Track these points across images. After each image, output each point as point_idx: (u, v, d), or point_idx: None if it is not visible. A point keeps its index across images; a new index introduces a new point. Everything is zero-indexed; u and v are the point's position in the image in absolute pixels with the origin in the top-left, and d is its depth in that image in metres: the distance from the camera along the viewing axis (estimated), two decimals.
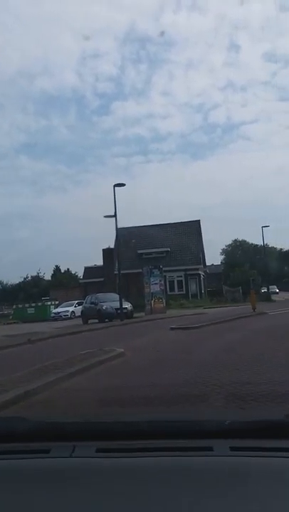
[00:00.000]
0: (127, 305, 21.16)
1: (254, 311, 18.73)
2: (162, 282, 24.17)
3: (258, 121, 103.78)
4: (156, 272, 23.91)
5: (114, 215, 19.29)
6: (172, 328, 12.97)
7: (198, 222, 40.33)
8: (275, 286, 54.85)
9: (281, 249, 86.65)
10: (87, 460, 0.99)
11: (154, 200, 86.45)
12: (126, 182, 20.39)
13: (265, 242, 40.79)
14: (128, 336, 12.27)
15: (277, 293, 49.72)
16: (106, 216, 20.31)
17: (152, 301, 23.61)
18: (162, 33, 78.89)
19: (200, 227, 40.11)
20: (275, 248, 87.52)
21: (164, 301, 24.07)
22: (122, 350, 8.52)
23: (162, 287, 24.13)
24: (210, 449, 0.99)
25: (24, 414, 1.42)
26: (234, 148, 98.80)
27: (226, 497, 0.82)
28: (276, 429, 1.05)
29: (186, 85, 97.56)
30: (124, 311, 20.35)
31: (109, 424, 1.22)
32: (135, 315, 21.94)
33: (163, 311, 22.98)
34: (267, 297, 34.03)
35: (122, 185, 20.10)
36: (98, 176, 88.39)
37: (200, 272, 38.79)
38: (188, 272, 37.09)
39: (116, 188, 19.71)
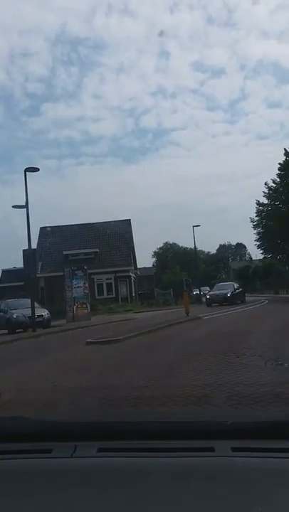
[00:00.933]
0: (43, 312, 17.76)
1: (187, 315, 16.37)
2: (86, 285, 21.05)
3: (187, 128, 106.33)
4: (79, 273, 20.74)
5: (26, 205, 15.85)
6: (89, 343, 9.97)
7: (128, 221, 37.79)
8: (208, 288, 54.42)
9: (208, 252, 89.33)
10: (89, 460, 0.98)
11: (86, 203, 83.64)
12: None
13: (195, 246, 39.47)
14: (28, 356, 9.11)
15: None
16: (15, 206, 16.76)
17: (75, 307, 20.38)
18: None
19: (130, 226, 37.61)
20: (203, 251, 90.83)
21: (88, 306, 20.96)
22: None
23: (86, 291, 21.00)
24: (211, 449, 0.97)
25: (25, 414, 1.29)
26: (165, 154, 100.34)
27: (228, 498, 0.81)
28: (278, 430, 1.03)
29: (118, 89, 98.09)
30: (39, 319, 16.94)
31: (111, 424, 1.20)
32: (56, 323, 18.68)
33: (87, 318, 19.88)
34: (198, 299, 32.34)
35: (35, 169, 16.74)
36: (27, 177, 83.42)
37: (131, 274, 36.20)
38: (118, 274, 34.31)
39: (27, 173, 16.30)
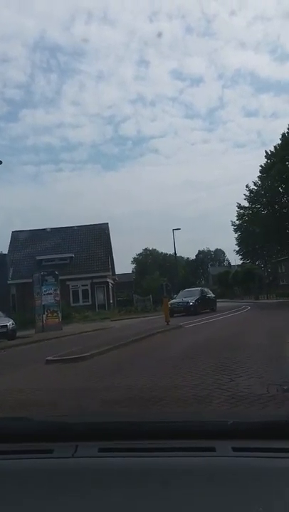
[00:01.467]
0: (7, 322, 15.81)
1: (168, 324, 14.73)
2: (58, 292, 19.13)
3: (166, 136, 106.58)
4: (49, 279, 18.82)
5: None
6: (49, 361, 8.15)
7: (106, 225, 36.07)
8: None
9: (188, 257, 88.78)
10: (90, 460, 0.98)
11: (66, 210, 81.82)
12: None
13: (174, 251, 38.09)
14: None
15: None
16: None
17: (44, 316, 18.45)
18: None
19: (108, 230, 35.87)
20: (183, 257, 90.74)
21: (59, 315, 19.03)
22: None
23: (58, 298, 19.08)
24: (212, 449, 0.97)
25: (26, 414, 1.41)
26: (145, 161, 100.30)
27: (228, 498, 0.81)
28: (278, 430, 1.02)
29: (97, 96, 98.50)
30: (3, 330, 15.00)
31: (112, 424, 1.19)
32: (24, 333, 16.73)
33: (58, 328, 17.97)
34: None
35: None
36: (5, 183, 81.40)
37: (108, 280, 34.40)
38: (95, 280, 32.44)
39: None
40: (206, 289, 25.25)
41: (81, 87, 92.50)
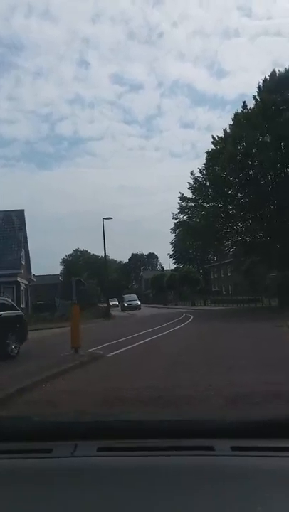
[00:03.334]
0: None
1: (76, 352, 8.11)
2: None
3: (103, 139, 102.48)
4: None
5: None
6: None
7: (21, 212, 28.51)
8: (116, 299, 47.45)
9: (121, 261, 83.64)
10: (89, 459, 0.95)
11: None
12: None
13: (107, 254, 31.72)
14: None
15: (117, 306, 43.65)
16: None
17: None
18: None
19: (24, 219, 28.35)
20: (116, 260, 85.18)
21: None
22: None
23: None
24: (211, 448, 0.94)
25: (25, 413, 1.31)
26: (80, 162, 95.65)
27: (227, 496, 0.78)
28: (277, 429, 0.99)
29: (34, 93, 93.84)
30: None
31: (111, 423, 1.14)
32: None
33: None
34: (105, 312, 24.34)
35: None
36: None
37: (20, 280, 26.86)
38: (1, 280, 24.75)
39: None
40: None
41: (17, 81, 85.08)
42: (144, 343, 10.24)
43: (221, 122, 79.55)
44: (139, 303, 39.93)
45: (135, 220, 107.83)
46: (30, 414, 1.30)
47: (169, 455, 0.93)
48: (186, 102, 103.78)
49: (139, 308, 37.65)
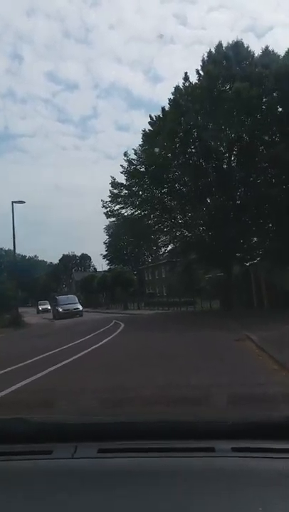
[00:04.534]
0: None
1: None
2: None
3: (36, 137, 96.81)
4: None
5: None
6: None
7: None
8: (47, 302, 41.62)
9: (51, 262, 78.08)
10: (89, 461, 0.94)
11: None
12: None
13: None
14: None
15: (48, 310, 38.32)
16: None
17: None
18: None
19: None
20: (45, 261, 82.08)
21: None
22: None
23: None
24: (212, 449, 0.94)
25: (26, 415, 1.20)
26: (10, 159, 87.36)
27: (228, 497, 0.78)
28: (277, 431, 0.98)
29: None
30: None
31: (111, 424, 1.13)
32: None
33: None
34: (15, 320, 19.14)
35: None
36: None
37: None
38: None
39: None
40: None
41: None
42: (30, 382, 5.73)
43: None
44: (80, 307, 30.17)
45: (68, 221, 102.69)
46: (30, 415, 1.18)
47: (170, 456, 0.93)
48: (122, 105, 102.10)
49: (81, 315, 28.77)
